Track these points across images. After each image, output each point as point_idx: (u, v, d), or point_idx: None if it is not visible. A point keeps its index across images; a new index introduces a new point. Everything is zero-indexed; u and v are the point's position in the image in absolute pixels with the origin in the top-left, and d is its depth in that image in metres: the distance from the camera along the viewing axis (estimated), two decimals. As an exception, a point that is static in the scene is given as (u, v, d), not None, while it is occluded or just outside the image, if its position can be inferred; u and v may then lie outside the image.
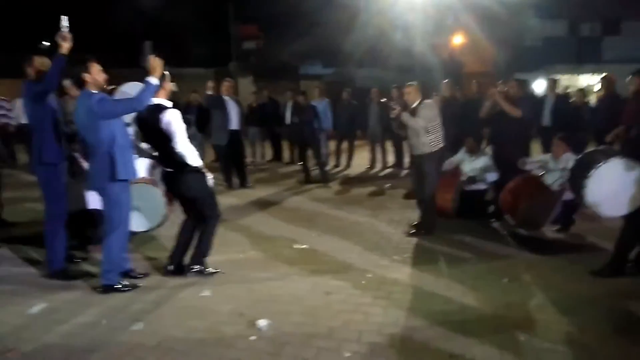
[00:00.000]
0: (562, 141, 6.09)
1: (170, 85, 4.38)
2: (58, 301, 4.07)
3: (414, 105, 5.78)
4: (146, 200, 5.41)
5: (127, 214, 4.33)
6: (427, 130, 5.67)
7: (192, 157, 4.32)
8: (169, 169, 4.45)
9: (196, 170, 4.37)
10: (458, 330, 3.52)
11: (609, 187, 4.40)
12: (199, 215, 4.58)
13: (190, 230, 4.63)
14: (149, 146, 4.68)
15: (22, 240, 5.60)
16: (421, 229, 5.88)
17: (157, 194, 5.49)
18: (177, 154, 4.28)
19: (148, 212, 5.48)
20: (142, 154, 5.46)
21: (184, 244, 4.64)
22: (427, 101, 5.87)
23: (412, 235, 5.82)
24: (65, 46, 4.16)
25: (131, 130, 5.71)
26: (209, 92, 8.45)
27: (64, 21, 4.15)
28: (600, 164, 4.46)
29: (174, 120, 4.22)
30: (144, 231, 5.52)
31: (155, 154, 4.62)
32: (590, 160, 4.65)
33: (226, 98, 8.57)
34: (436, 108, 5.88)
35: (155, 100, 4.27)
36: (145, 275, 4.56)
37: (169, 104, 4.36)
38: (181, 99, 9.75)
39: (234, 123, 8.59)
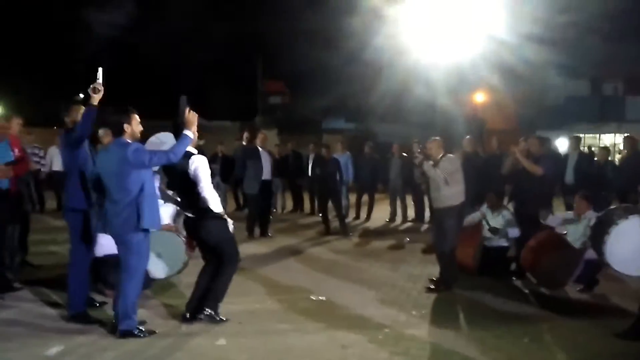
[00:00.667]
0: (584, 199, 6.04)
1: (197, 139, 4.55)
2: (75, 344, 4.09)
3: (437, 159, 5.85)
4: (167, 247, 5.49)
5: (146, 262, 4.40)
6: (447, 183, 5.70)
7: (215, 203, 4.43)
8: (191, 215, 4.55)
9: (218, 216, 4.46)
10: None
11: (629, 245, 4.32)
12: (218, 261, 4.63)
13: (210, 277, 4.67)
14: (174, 192, 4.81)
15: (44, 282, 5.70)
16: (441, 285, 5.80)
17: (179, 241, 5.57)
18: (201, 199, 4.39)
19: (168, 258, 5.54)
20: (167, 199, 5.60)
21: (202, 290, 4.67)
22: (449, 155, 5.94)
23: (432, 290, 5.74)
24: (97, 97, 4.39)
25: (157, 176, 5.90)
26: (244, 143, 8.75)
27: (100, 73, 4.40)
28: (621, 220, 4.41)
29: (201, 166, 4.39)
30: (164, 278, 5.57)
31: (179, 199, 4.74)
32: (610, 218, 4.62)
33: (260, 149, 8.83)
34: (458, 162, 5.93)
35: None
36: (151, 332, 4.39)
37: (195, 150, 4.53)
38: (207, 150, 10.05)
39: (266, 173, 8.81)
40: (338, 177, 9.51)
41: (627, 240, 4.36)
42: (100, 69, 4.41)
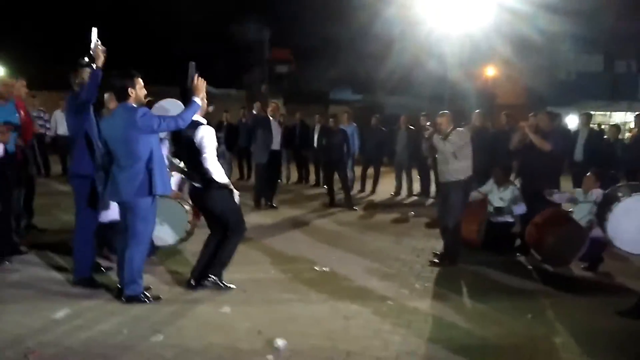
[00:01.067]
0: (593, 175, 5.99)
1: (207, 107, 4.51)
2: (81, 308, 4.15)
3: (446, 133, 5.78)
4: (171, 215, 5.52)
5: (152, 228, 4.41)
6: (455, 156, 5.65)
7: (219, 174, 4.41)
8: (197, 184, 4.54)
9: (223, 186, 4.45)
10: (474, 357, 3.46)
11: (632, 222, 4.29)
12: (224, 231, 4.64)
13: (215, 246, 4.69)
14: (180, 161, 4.79)
15: (51, 247, 5.75)
16: (445, 259, 5.81)
17: (183, 209, 5.59)
18: (205, 169, 4.37)
19: (173, 226, 5.58)
20: (173, 168, 5.60)
21: (207, 258, 4.70)
22: (459, 129, 5.87)
23: (436, 264, 5.76)
24: (101, 59, 4.34)
25: (165, 143, 5.88)
26: (255, 112, 8.69)
27: (94, 34, 4.32)
28: (624, 197, 4.38)
29: (207, 136, 4.35)
30: (168, 245, 5.62)
31: (185, 169, 4.72)
32: (615, 195, 4.58)
33: (271, 118, 8.77)
34: (467, 136, 5.86)
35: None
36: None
37: (204, 121, 4.48)
38: (212, 119, 10.01)
39: (276, 143, 8.79)
40: (345, 149, 9.45)
41: (630, 218, 4.33)
42: (94, 29, 4.32)
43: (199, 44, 22.37)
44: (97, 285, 4.59)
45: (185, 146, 4.48)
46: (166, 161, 6.24)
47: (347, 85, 28.00)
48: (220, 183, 4.42)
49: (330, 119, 9.80)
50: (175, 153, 5.53)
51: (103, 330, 3.76)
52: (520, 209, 6.38)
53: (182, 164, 5.08)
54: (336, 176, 9.34)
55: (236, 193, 4.57)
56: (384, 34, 19.92)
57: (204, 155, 4.34)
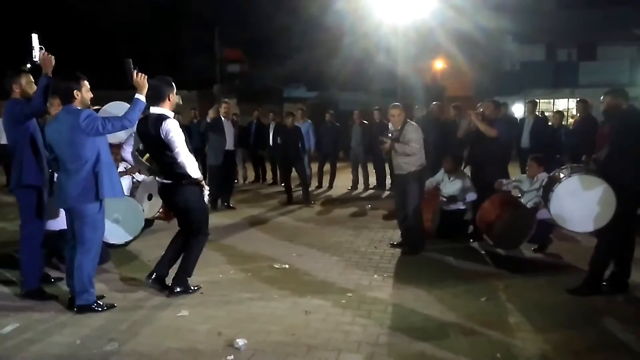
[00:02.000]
0: (534, 161, 6.22)
1: (175, 98, 4.39)
2: (31, 321, 3.98)
3: (399, 127, 5.87)
4: (125, 212, 5.48)
5: (102, 234, 4.27)
6: (414, 152, 5.77)
7: (193, 168, 4.32)
8: (167, 181, 4.43)
9: (195, 181, 4.37)
10: (436, 347, 3.53)
11: (572, 202, 4.50)
12: (187, 233, 4.57)
13: (182, 243, 4.62)
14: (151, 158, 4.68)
15: (-3, 260, 5.50)
16: (406, 248, 5.92)
17: (137, 205, 5.59)
18: (177, 164, 4.27)
19: (127, 224, 5.53)
20: (139, 165, 5.55)
21: (172, 254, 4.64)
22: (413, 123, 5.98)
23: (395, 247, 5.95)
24: (49, 66, 4.18)
25: (131, 142, 5.76)
26: (208, 120, 8.51)
27: (35, 39, 4.16)
28: (564, 178, 4.58)
29: (172, 129, 4.21)
30: (122, 244, 5.61)
31: (154, 165, 4.61)
32: (557, 177, 4.78)
33: (223, 119, 8.64)
34: (419, 129, 5.98)
35: (159, 111, 4.29)
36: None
37: (171, 114, 4.36)
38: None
39: (229, 143, 8.68)
40: (300, 146, 9.45)
41: (572, 198, 4.53)
42: (34, 35, 4.17)
43: (146, 45, 21.88)
44: (47, 297, 4.42)
45: (153, 142, 4.32)
46: (132, 159, 6.13)
47: (301, 82, 28.00)
48: (193, 178, 4.33)
49: (289, 117, 9.71)
50: (145, 149, 5.37)
51: (54, 342, 3.62)
52: (471, 196, 6.55)
53: (147, 161, 4.97)
54: (293, 173, 9.34)
55: (207, 189, 4.49)
56: (334, 28, 20.06)
57: (175, 150, 4.22)
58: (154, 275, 4.58)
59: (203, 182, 4.46)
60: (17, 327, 3.87)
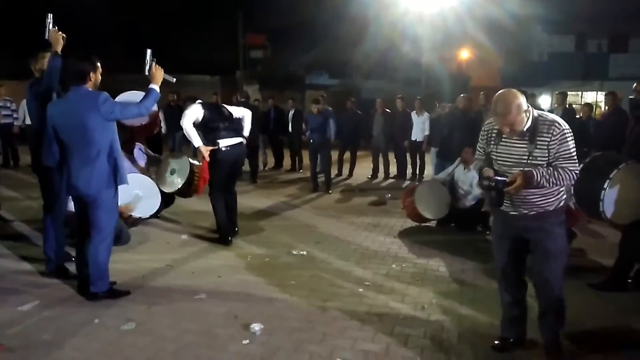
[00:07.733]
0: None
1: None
2: (51, 299, 4.03)
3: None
4: (144, 188, 5.77)
5: (116, 220, 4.20)
6: None
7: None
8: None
9: None
10: (453, 340, 3.48)
11: (618, 190, 4.12)
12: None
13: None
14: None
15: (19, 237, 5.59)
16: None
17: (151, 181, 5.95)
18: None
19: (149, 198, 5.81)
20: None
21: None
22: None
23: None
24: (59, 44, 4.17)
25: None
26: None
27: (49, 19, 4.17)
28: (614, 171, 4.13)
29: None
30: (149, 217, 6.08)
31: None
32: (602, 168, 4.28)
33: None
34: None
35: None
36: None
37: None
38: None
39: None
40: (326, 133, 9.32)
41: (621, 186, 4.12)
42: (49, 15, 4.16)
43: (167, 29, 21.92)
44: (69, 275, 4.46)
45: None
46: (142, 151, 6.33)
47: (324, 69, 27.78)
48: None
49: (319, 105, 9.42)
50: None
51: (73, 321, 3.65)
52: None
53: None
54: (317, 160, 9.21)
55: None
56: (359, 17, 19.80)
57: None
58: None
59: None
60: (37, 304, 3.92)
